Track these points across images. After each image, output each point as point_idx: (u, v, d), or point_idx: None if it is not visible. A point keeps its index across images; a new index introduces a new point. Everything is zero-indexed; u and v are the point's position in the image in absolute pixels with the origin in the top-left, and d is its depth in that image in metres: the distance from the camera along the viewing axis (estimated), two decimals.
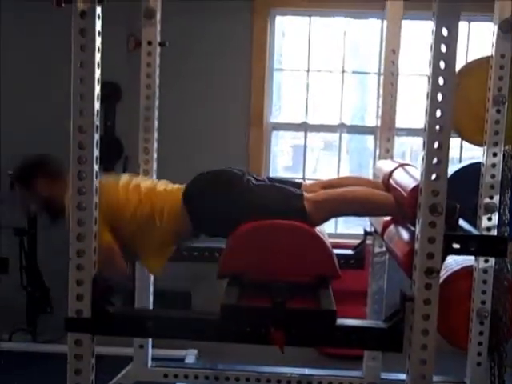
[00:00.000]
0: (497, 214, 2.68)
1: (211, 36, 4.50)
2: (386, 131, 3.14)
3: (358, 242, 3.07)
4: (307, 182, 2.76)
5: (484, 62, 2.80)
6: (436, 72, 1.71)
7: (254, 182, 2.44)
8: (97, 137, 1.80)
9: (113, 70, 3.40)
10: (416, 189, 1.88)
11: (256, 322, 1.89)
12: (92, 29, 1.73)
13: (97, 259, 1.86)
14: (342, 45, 4.68)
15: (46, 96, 4.40)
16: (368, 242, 3.09)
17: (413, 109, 4.38)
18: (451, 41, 1.70)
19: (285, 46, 4.84)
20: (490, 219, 2.67)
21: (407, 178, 2.27)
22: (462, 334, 2.82)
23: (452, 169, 3.64)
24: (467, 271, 2.80)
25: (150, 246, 2.46)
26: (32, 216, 2.67)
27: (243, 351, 2.63)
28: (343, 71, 4.71)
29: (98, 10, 1.73)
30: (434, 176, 1.75)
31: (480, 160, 2.73)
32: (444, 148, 1.74)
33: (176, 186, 2.55)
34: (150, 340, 3.06)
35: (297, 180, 2.89)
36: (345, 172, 4.80)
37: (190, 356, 4.02)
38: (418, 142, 4.56)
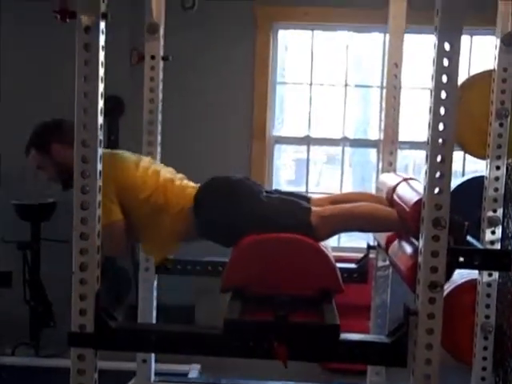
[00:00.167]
0: (500, 227, 2.67)
1: (214, 50, 4.52)
2: (388, 145, 3.14)
3: (362, 255, 3.06)
4: (315, 196, 2.76)
5: (486, 75, 2.80)
6: (438, 86, 1.72)
7: (264, 194, 2.44)
8: (100, 151, 1.80)
9: (116, 83, 3.41)
10: (419, 203, 1.88)
11: (259, 336, 1.88)
12: (96, 43, 1.73)
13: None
14: (345, 58, 4.70)
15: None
16: (371, 255, 3.08)
17: (415, 122, 4.39)
18: (453, 55, 1.71)
19: (287, 59, 4.86)
20: (493, 233, 2.66)
21: (410, 192, 2.26)
22: (466, 348, 2.81)
23: (455, 182, 3.64)
24: (471, 285, 2.80)
25: (156, 236, 2.48)
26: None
27: (246, 366, 2.62)
28: (346, 85, 4.72)
29: (102, 25, 1.74)
30: (437, 190, 1.74)
31: (483, 173, 2.73)
32: (447, 162, 1.73)
33: (191, 184, 2.57)
34: (153, 355, 3.05)
35: (306, 194, 2.89)
36: (347, 185, 4.81)
37: (194, 371, 4.00)
38: (420, 156, 4.56)
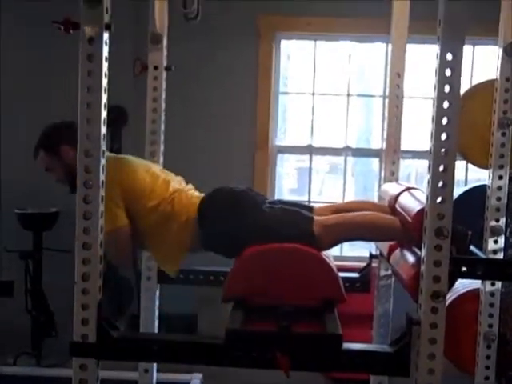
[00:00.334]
0: (503, 236, 2.67)
1: (217, 60, 4.54)
2: (391, 154, 3.14)
3: (364, 264, 3.06)
4: (318, 205, 2.76)
5: (489, 85, 2.81)
6: (441, 96, 1.72)
7: (267, 205, 2.45)
8: (103, 161, 1.80)
9: (119, 93, 3.43)
10: (421, 212, 1.88)
11: (261, 346, 1.88)
12: (99, 54, 1.74)
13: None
14: (347, 68, 4.71)
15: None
16: (374, 264, 3.07)
17: (418, 131, 4.40)
18: (456, 65, 1.71)
19: (290, 69, 4.88)
20: (496, 242, 2.66)
21: (412, 202, 2.26)
22: (469, 357, 2.80)
23: (458, 191, 3.63)
24: (474, 294, 2.79)
25: (164, 245, 2.47)
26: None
27: (248, 376, 2.62)
28: (348, 94, 4.74)
29: (106, 36, 1.75)
30: (439, 199, 1.74)
31: (485, 182, 2.73)
32: (449, 171, 1.74)
33: (197, 194, 2.57)
34: (155, 364, 3.04)
35: (308, 203, 2.89)
36: (350, 194, 4.81)
37: (195, 380, 3.99)
38: (423, 165, 4.56)
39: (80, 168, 1.79)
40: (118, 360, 1.94)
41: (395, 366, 1.85)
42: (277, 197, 4.63)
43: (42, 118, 4.36)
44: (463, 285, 2.91)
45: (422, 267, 1.80)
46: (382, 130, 4.48)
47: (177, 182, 2.61)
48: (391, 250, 2.47)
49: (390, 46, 3.23)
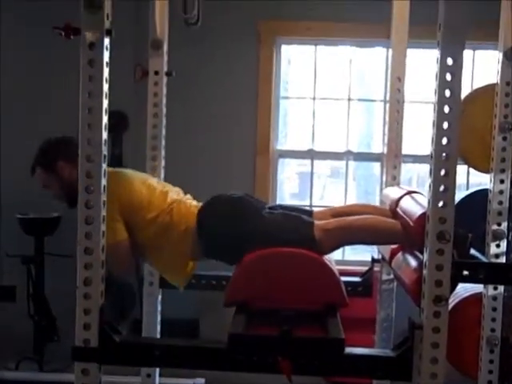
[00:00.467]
0: (505, 240, 2.67)
1: (218, 65, 4.54)
2: (392, 158, 3.14)
3: (366, 269, 3.06)
4: (317, 209, 2.76)
5: (489, 89, 2.81)
6: (441, 100, 1.72)
7: (267, 210, 2.44)
8: (104, 166, 1.81)
9: (120, 99, 3.42)
10: (423, 216, 1.88)
11: (263, 350, 1.88)
12: (100, 60, 1.75)
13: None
14: (348, 73, 4.72)
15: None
16: (376, 269, 3.07)
17: (419, 135, 4.40)
18: (456, 69, 1.71)
19: (291, 73, 4.88)
20: (498, 246, 2.65)
21: (414, 206, 2.26)
22: (471, 362, 2.80)
23: (459, 195, 3.63)
24: (476, 298, 2.79)
25: (166, 257, 2.48)
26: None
27: (251, 380, 2.61)
28: (349, 99, 4.74)
29: (106, 41, 1.76)
30: (441, 203, 1.75)
31: (487, 186, 2.73)
32: (451, 175, 1.74)
33: (195, 203, 2.56)
34: (158, 369, 3.04)
35: (308, 208, 2.89)
36: (351, 199, 4.80)
37: None
38: (424, 169, 4.57)
39: (81, 173, 1.79)
40: (120, 365, 1.94)
41: (398, 370, 1.85)
42: (278, 201, 4.63)
43: (42, 119, 4.43)
44: (465, 289, 2.90)
45: (424, 271, 1.80)
46: (383, 134, 4.48)
47: (175, 193, 2.61)
48: (393, 254, 2.47)
49: (390, 50, 3.24)
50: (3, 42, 4.36)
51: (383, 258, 2.86)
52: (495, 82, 2.66)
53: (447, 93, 1.72)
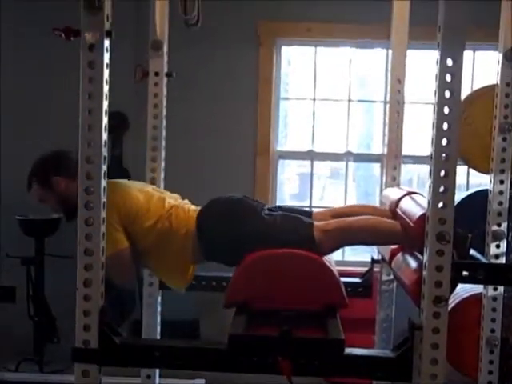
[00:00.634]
0: (505, 241, 2.67)
1: (218, 66, 4.55)
2: (392, 159, 3.14)
3: (366, 269, 3.06)
4: (317, 210, 2.76)
5: (489, 90, 2.81)
6: (441, 101, 1.72)
7: (266, 212, 2.45)
8: (104, 167, 1.81)
9: (120, 100, 3.43)
10: (423, 217, 1.88)
11: (264, 351, 1.88)
12: (100, 61, 1.74)
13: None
14: (348, 74, 4.72)
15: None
16: (375, 269, 3.07)
17: (419, 136, 4.40)
18: (456, 70, 1.72)
19: (291, 74, 4.89)
20: (498, 246, 2.65)
21: (414, 207, 2.27)
22: (471, 362, 2.80)
23: (459, 196, 3.64)
24: (476, 299, 2.79)
25: (167, 264, 2.48)
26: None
27: (251, 381, 2.61)
28: (349, 100, 4.74)
29: (107, 43, 1.75)
30: (440, 204, 1.75)
31: (487, 187, 2.73)
32: (450, 176, 1.74)
33: (193, 208, 2.56)
34: (158, 370, 3.04)
35: (307, 209, 2.89)
36: (351, 200, 4.81)
37: None
38: (424, 170, 4.57)
39: (81, 174, 1.79)
40: (120, 366, 1.94)
41: (397, 371, 1.85)
42: (278, 202, 4.63)
43: (42, 121, 4.43)
44: (465, 289, 2.90)
45: (424, 272, 1.80)
46: (383, 135, 4.48)
47: (172, 199, 2.61)
48: (393, 254, 2.47)
49: (390, 51, 3.24)
50: (3, 42, 4.36)
51: (383, 259, 2.86)
52: (495, 82, 2.66)
53: (447, 94, 1.72)
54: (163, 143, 2.98)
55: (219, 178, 4.45)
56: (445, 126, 1.73)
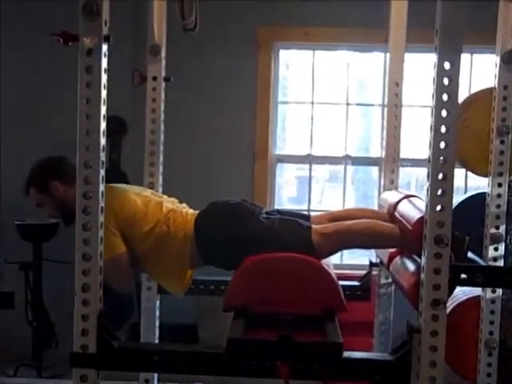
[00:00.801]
0: (503, 243, 2.67)
1: (216, 70, 4.55)
2: (390, 163, 3.15)
3: (364, 273, 3.06)
4: (315, 213, 2.76)
5: (487, 93, 2.82)
6: (439, 104, 1.73)
7: (264, 215, 2.44)
8: (102, 172, 1.81)
9: (118, 104, 3.43)
10: (421, 220, 1.88)
11: (262, 355, 1.88)
12: (98, 66, 1.75)
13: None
14: (346, 77, 4.73)
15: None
16: (374, 272, 3.07)
17: (417, 139, 4.40)
18: (454, 74, 1.72)
19: (289, 78, 4.89)
20: (496, 249, 2.66)
21: (412, 210, 2.27)
22: (470, 365, 2.80)
23: (458, 199, 3.64)
24: (475, 301, 2.79)
25: (166, 268, 2.48)
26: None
27: None
28: (347, 103, 4.75)
29: (105, 47, 1.76)
30: (438, 207, 1.75)
31: (485, 190, 2.73)
32: (448, 179, 1.74)
33: (191, 212, 2.56)
34: (156, 374, 3.04)
35: (305, 212, 2.89)
36: (350, 203, 4.81)
37: None
38: (423, 172, 4.56)
39: (79, 179, 1.79)
40: (119, 370, 1.94)
41: (396, 374, 1.85)
42: (276, 206, 4.64)
43: (42, 122, 4.43)
44: (464, 292, 2.90)
45: (422, 275, 1.80)
46: (382, 138, 4.48)
47: (170, 203, 2.61)
48: (391, 258, 2.47)
49: (388, 55, 3.24)
50: (3, 42, 4.37)
51: (381, 262, 2.86)
52: (493, 85, 2.67)
53: (445, 97, 1.72)
54: (161, 148, 2.98)
55: (218, 182, 4.45)
56: (443, 129, 1.73)
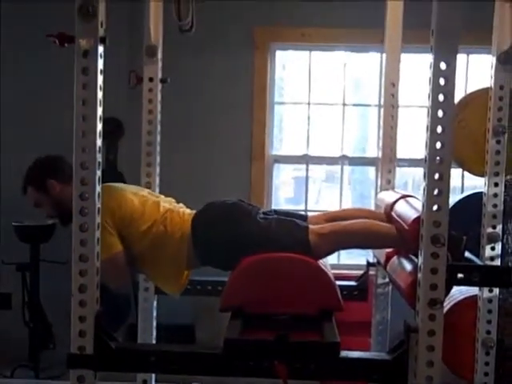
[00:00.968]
0: (500, 243, 2.68)
1: (213, 71, 4.55)
2: (387, 163, 3.15)
3: (361, 272, 3.06)
4: (312, 214, 2.77)
5: (483, 93, 2.82)
6: (435, 105, 1.73)
7: (261, 215, 2.45)
8: (99, 173, 1.81)
9: (115, 105, 3.43)
10: (417, 220, 1.88)
11: (259, 355, 1.88)
12: (94, 67, 1.75)
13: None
14: (343, 78, 4.73)
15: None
16: (371, 272, 3.08)
17: (414, 139, 4.40)
18: (450, 74, 1.72)
19: (286, 79, 4.90)
20: (493, 249, 2.66)
21: (409, 210, 2.27)
22: (467, 364, 2.80)
23: (454, 199, 3.64)
24: (472, 301, 2.79)
25: (162, 268, 2.47)
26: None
27: None
28: (344, 104, 4.75)
29: (101, 49, 1.76)
30: (435, 207, 1.75)
31: (482, 189, 2.73)
32: (445, 179, 1.75)
33: (188, 211, 2.55)
34: (154, 375, 3.04)
35: (302, 212, 2.89)
36: (347, 203, 4.81)
37: None
38: (419, 172, 4.57)
39: (76, 180, 1.79)
40: (116, 371, 1.94)
41: (393, 373, 1.85)
42: (273, 206, 4.64)
43: (42, 136, 4.42)
44: (461, 291, 2.91)
45: (419, 275, 1.80)
46: (378, 138, 4.49)
47: (167, 202, 2.60)
48: (388, 257, 2.48)
49: (384, 55, 3.25)
50: (3, 43, 4.37)
51: (378, 262, 2.87)
52: (489, 85, 2.67)
53: (441, 97, 1.73)
54: (158, 148, 2.98)
55: (214, 183, 4.45)
56: (439, 129, 1.73)
